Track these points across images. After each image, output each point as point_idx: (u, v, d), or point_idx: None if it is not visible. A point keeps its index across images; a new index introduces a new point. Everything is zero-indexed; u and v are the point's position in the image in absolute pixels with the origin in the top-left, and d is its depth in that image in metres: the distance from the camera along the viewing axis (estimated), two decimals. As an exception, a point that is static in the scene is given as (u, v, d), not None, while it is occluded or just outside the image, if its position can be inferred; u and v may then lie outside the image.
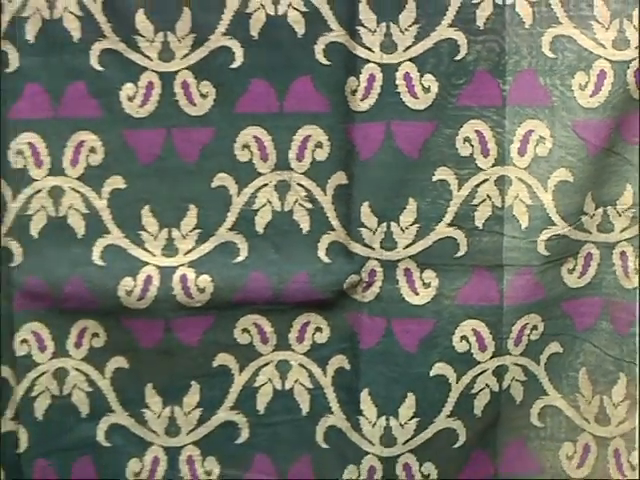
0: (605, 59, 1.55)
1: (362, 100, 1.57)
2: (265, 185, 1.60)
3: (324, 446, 1.64)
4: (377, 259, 1.60)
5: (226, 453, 1.65)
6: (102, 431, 1.63)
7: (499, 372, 1.64)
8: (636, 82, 1.61)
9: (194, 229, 1.60)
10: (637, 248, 1.62)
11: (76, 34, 1.63)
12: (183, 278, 1.58)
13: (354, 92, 1.57)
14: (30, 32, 1.59)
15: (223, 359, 1.62)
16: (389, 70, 1.57)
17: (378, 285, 1.60)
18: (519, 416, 1.66)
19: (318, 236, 1.60)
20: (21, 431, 1.63)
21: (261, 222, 1.59)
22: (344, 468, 1.65)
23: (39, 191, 1.56)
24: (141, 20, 1.58)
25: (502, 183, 1.59)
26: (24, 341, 1.61)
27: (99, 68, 1.60)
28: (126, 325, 1.62)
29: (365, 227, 1.60)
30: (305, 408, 1.63)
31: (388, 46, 1.56)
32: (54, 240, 1.62)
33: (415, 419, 1.62)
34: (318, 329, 1.62)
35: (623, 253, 1.61)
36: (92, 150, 1.60)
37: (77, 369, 1.63)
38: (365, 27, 1.56)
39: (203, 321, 1.62)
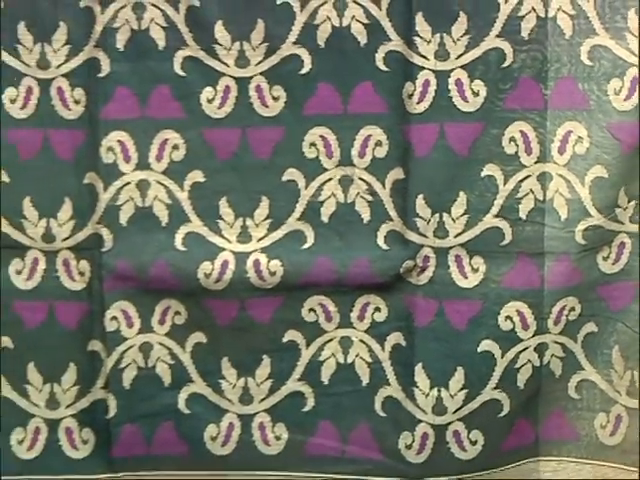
0: (637, 67, 1.66)
1: (418, 103, 1.66)
2: (330, 179, 1.69)
3: (381, 414, 1.73)
4: (430, 246, 1.69)
5: (294, 420, 1.74)
6: (183, 399, 1.72)
7: (540, 349, 1.72)
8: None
9: (266, 219, 1.69)
10: None
11: (161, 43, 1.72)
12: (256, 263, 1.68)
13: (410, 96, 1.66)
14: (120, 41, 1.68)
15: (291, 335, 1.72)
16: (442, 76, 1.66)
17: (431, 270, 1.69)
18: (558, 389, 1.74)
19: (377, 225, 1.69)
20: (110, 399, 1.70)
21: (326, 212, 1.69)
22: (399, 434, 1.73)
23: (128, 184, 1.66)
24: (219, 30, 1.67)
25: (544, 179, 1.68)
26: (114, 318, 1.69)
27: (181, 73, 1.70)
28: (205, 305, 1.71)
29: (419, 217, 1.68)
30: (365, 380, 1.72)
31: (441, 54, 1.65)
32: (141, 228, 1.71)
33: (464, 391, 1.71)
34: (377, 309, 1.71)
35: None
36: (175, 147, 1.69)
37: (161, 343, 1.72)
38: (421, 37, 1.65)
39: (274, 301, 1.71)
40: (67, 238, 1.70)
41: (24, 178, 1.73)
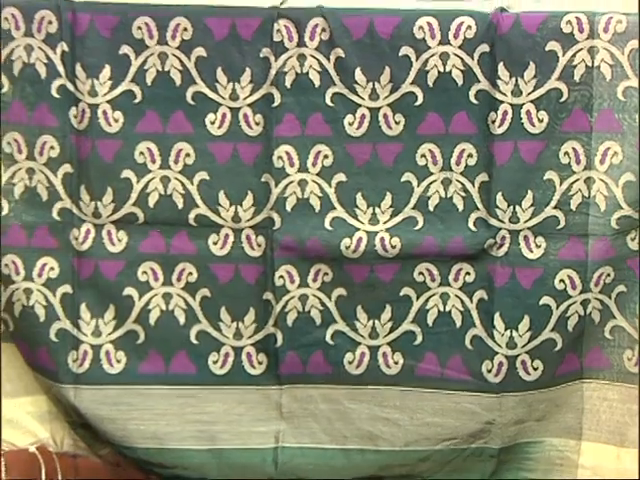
0: None
1: (499, 127, 1.95)
2: (435, 180, 1.99)
3: (470, 348, 2.02)
4: (506, 229, 1.97)
5: (407, 350, 2.02)
6: (329, 334, 2.04)
7: (584, 303, 1.98)
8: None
9: (389, 208, 2.00)
10: None
11: (317, 82, 1.96)
12: (381, 239, 1.99)
13: (493, 122, 1.95)
14: (288, 81, 1.96)
15: (406, 291, 2.01)
16: (516, 108, 1.94)
17: (507, 246, 1.99)
18: (597, 331, 2.01)
19: (468, 214, 1.98)
20: (278, 333, 2.01)
21: (432, 204, 1.98)
22: (482, 362, 2.00)
23: (292, 182, 1.96)
24: (358, 74, 1.94)
25: (589, 181, 1.97)
26: (280, 277, 2.00)
27: (331, 104, 1.95)
28: (345, 268, 2.01)
29: (499, 208, 1.97)
30: (458, 323, 2.01)
31: (516, 92, 1.95)
32: (301, 213, 1.99)
33: (529, 332, 1.99)
34: (467, 273, 2.00)
35: None
36: (325, 157, 2.00)
37: (314, 295, 2.01)
38: (501, 80, 1.94)
39: (394, 267, 2.00)
40: (249, 219, 2.01)
41: (219, 177, 2.00)
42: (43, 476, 2.09)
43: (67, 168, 1.97)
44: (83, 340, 2.00)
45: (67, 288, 1.99)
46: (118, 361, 2.00)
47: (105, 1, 1.96)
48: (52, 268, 1.98)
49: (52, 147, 1.96)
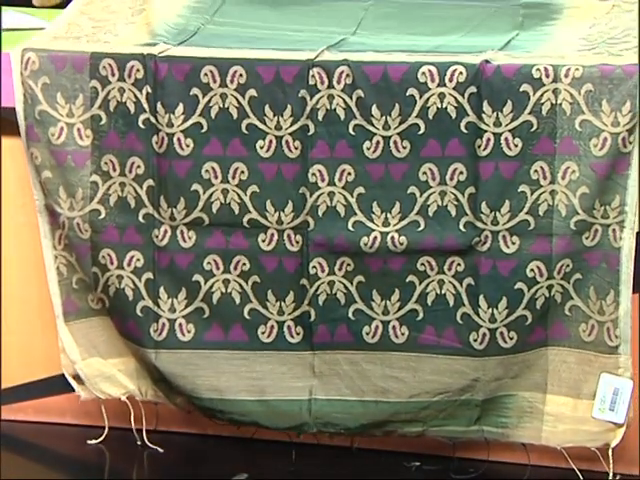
0: (607, 132, 2.06)
1: (484, 150, 2.08)
2: (434, 192, 2.11)
3: (460, 322, 2.13)
4: (489, 230, 2.10)
5: (412, 324, 2.15)
6: (351, 312, 2.16)
7: (549, 287, 2.11)
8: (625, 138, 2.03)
9: (398, 213, 2.13)
10: (620, 226, 2.07)
11: (342, 116, 2.11)
12: (392, 238, 2.12)
13: (479, 146, 2.08)
14: (320, 115, 2.11)
15: (411, 278, 2.14)
16: (497, 136, 2.08)
17: (489, 243, 2.11)
18: (559, 310, 2.12)
19: (459, 218, 2.11)
20: (312, 311, 2.16)
21: (431, 210, 2.10)
22: (470, 333, 2.13)
23: (323, 193, 2.14)
24: (374, 109, 2.10)
25: (553, 193, 2.08)
26: (314, 267, 2.14)
27: (352, 133, 2.11)
28: (364, 260, 2.14)
29: (483, 214, 2.09)
30: (451, 303, 2.14)
31: (497, 124, 2.07)
32: (329, 218, 2.13)
33: (506, 310, 2.11)
34: (458, 264, 2.12)
35: (614, 230, 2.09)
36: (349, 174, 2.12)
37: (339, 281, 2.14)
38: (485, 114, 2.07)
39: (401, 259, 2.14)
40: (290, 222, 2.15)
41: (267, 189, 2.15)
42: (132, 418, 2.30)
43: (150, 182, 2.17)
44: (161, 315, 2.21)
45: (149, 275, 2.20)
46: (189, 331, 2.21)
47: (180, 55, 2.17)
48: (138, 259, 2.20)
49: (139, 166, 2.17)
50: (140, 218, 2.20)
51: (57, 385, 2.35)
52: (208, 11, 2.41)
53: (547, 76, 2.08)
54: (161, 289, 2.21)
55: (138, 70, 2.16)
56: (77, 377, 2.28)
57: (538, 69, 2.08)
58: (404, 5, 2.46)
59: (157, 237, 2.20)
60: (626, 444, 2.18)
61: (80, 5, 2.42)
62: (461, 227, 2.13)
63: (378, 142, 2.13)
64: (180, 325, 2.22)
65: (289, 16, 2.42)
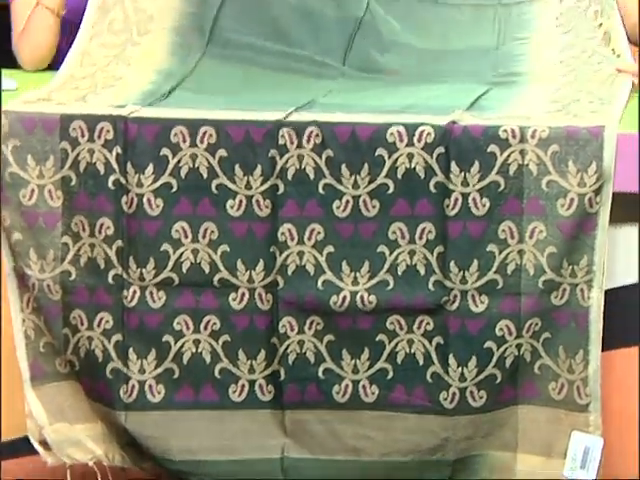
0: (574, 192, 2.06)
1: (452, 210, 2.08)
2: (403, 251, 2.10)
3: (430, 381, 2.11)
4: (458, 289, 2.10)
5: (382, 383, 2.13)
6: (321, 371, 2.13)
7: (518, 346, 2.10)
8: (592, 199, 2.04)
9: (367, 272, 2.11)
10: (588, 285, 2.07)
11: (312, 176, 2.10)
12: (361, 297, 2.11)
13: (448, 206, 2.07)
14: (289, 175, 2.10)
15: (380, 337, 2.12)
16: (466, 196, 2.07)
17: (458, 302, 2.10)
18: (528, 368, 2.11)
19: (428, 277, 2.10)
20: (281, 370, 2.13)
21: (400, 270, 2.10)
22: (440, 393, 2.10)
23: (292, 252, 2.11)
24: (343, 169, 2.09)
25: (521, 252, 2.08)
26: (284, 326, 2.11)
27: (322, 192, 2.10)
28: (334, 319, 2.13)
29: (452, 273, 2.09)
30: (421, 362, 2.11)
31: (465, 184, 2.07)
32: (299, 276, 2.10)
33: (476, 369, 2.09)
34: (428, 323, 2.11)
35: (582, 289, 2.08)
36: (318, 233, 2.10)
37: (309, 340, 2.12)
38: (453, 174, 2.07)
39: (371, 318, 2.13)
40: (260, 281, 2.13)
41: (237, 248, 2.11)
42: (99, 483, 2.23)
43: (119, 243, 2.14)
44: (131, 376, 2.17)
45: (119, 336, 2.17)
46: (159, 392, 2.18)
47: (150, 116, 2.16)
48: (107, 321, 2.17)
49: (108, 227, 2.14)
50: (109, 279, 2.18)
51: (22, 447, 2.31)
52: (177, 77, 2.41)
53: (514, 137, 2.09)
54: (130, 350, 2.19)
55: (108, 131, 2.15)
56: (44, 442, 2.25)
57: (505, 130, 2.09)
58: (372, 83, 2.48)
59: (126, 298, 2.18)
60: (625, 448, 2.20)
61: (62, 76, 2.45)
62: (430, 286, 2.12)
63: (347, 201, 2.12)
64: (150, 386, 2.19)
65: (260, 83, 2.42)
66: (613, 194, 2.07)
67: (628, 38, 2.48)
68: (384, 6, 2.58)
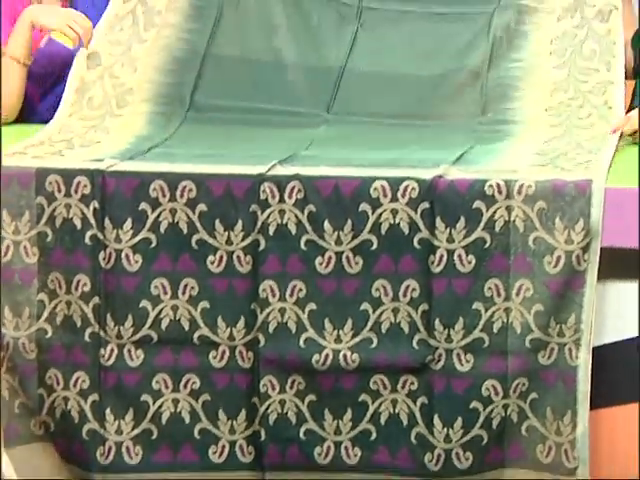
0: (561, 250, 2.03)
1: (437, 267, 2.06)
2: (386, 309, 2.06)
3: (414, 442, 2.07)
4: (443, 348, 2.07)
5: (365, 445, 2.10)
6: (302, 432, 2.10)
7: (505, 407, 2.07)
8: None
9: (350, 330, 2.09)
10: (576, 345, 2.03)
11: (294, 231, 2.07)
12: (344, 356, 2.08)
13: (433, 263, 2.05)
14: (271, 230, 2.06)
15: (364, 397, 2.08)
16: (451, 252, 2.05)
17: (443, 361, 2.07)
18: (515, 429, 2.08)
19: (412, 335, 2.07)
20: (262, 431, 2.09)
21: (384, 327, 2.06)
22: (425, 454, 2.07)
23: (273, 309, 2.08)
24: (326, 224, 2.06)
25: (507, 310, 2.05)
26: (264, 385, 2.08)
27: (304, 248, 2.07)
28: (315, 379, 2.10)
29: (437, 331, 2.06)
30: (405, 422, 2.08)
31: (450, 240, 2.04)
32: (281, 334, 2.07)
33: (461, 430, 2.07)
34: (412, 383, 2.07)
35: (570, 349, 2.04)
36: (300, 290, 2.07)
37: (290, 400, 2.08)
38: (438, 230, 2.04)
39: (354, 377, 2.10)
40: (241, 339, 2.10)
41: (218, 305, 2.09)
42: None
43: (96, 300, 2.11)
44: (108, 438, 2.12)
45: (95, 396, 2.12)
46: (136, 454, 2.13)
47: (128, 170, 2.13)
48: (84, 380, 2.12)
49: (85, 284, 2.11)
50: (86, 337, 2.14)
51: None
52: (156, 140, 2.38)
53: (500, 193, 2.06)
54: (107, 411, 2.14)
55: (85, 186, 2.12)
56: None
57: (491, 185, 2.06)
58: (356, 128, 2.45)
59: (103, 356, 2.13)
60: (624, 449, 2.16)
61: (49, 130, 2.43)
62: (414, 345, 2.09)
63: (330, 257, 2.09)
64: (127, 448, 2.14)
65: (241, 138, 2.40)
66: (613, 250, 2.05)
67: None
68: (368, 40, 2.58)
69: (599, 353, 2.10)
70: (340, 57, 2.53)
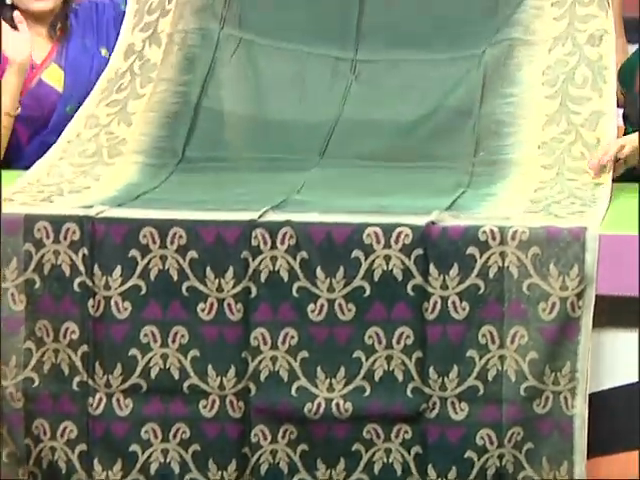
0: (555, 296, 2.01)
1: (431, 314, 2.03)
2: (380, 357, 2.04)
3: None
4: (437, 396, 2.04)
5: None
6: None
7: (500, 456, 2.04)
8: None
9: (343, 378, 2.06)
10: (571, 393, 2.01)
11: (286, 278, 2.05)
12: (337, 404, 2.06)
13: (426, 310, 2.02)
14: (263, 277, 2.04)
15: (357, 446, 2.06)
16: (445, 299, 2.03)
17: (437, 410, 2.04)
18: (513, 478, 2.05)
19: (407, 383, 2.04)
20: None
21: (377, 375, 2.04)
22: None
23: (265, 358, 2.06)
24: (319, 272, 2.03)
25: (502, 358, 2.02)
26: (256, 435, 2.05)
27: (296, 295, 2.05)
28: (308, 428, 2.07)
29: (431, 379, 2.04)
30: (399, 472, 2.06)
31: (444, 287, 2.03)
32: (272, 383, 2.05)
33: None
34: (406, 432, 2.05)
35: (565, 397, 2.01)
36: (292, 337, 2.05)
37: (282, 450, 2.05)
38: (432, 276, 2.02)
39: (347, 426, 2.07)
40: (232, 388, 2.07)
41: (208, 353, 2.06)
42: None
43: (85, 348, 2.08)
44: None
45: (83, 446, 2.09)
46: None
47: (118, 216, 2.11)
48: (72, 430, 2.09)
49: (73, 331, 2.08)
50: (74, 386, 2.11)
51: None
52: (146, 188, 2.36)
53: (493, 239, 2.04)
54: (95, 461, 2.10)
55: (74, 232, 2.10)
56: None
57: (484, 231, 2.04)
58: (348, 171, 2.43)
59: (91, 406, 2.10)
60: None
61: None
62: (408, 393, 2.07)
63: (322, 305, 2.07)
64: (116, 501, 2.11)
65: (232, 184, 2.37)
66: (613, 298, 2.04)
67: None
68: (362, 91, 2.57)
69: (596, 399, 2.07)
70: (334, 110, 2.53)
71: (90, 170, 2.42)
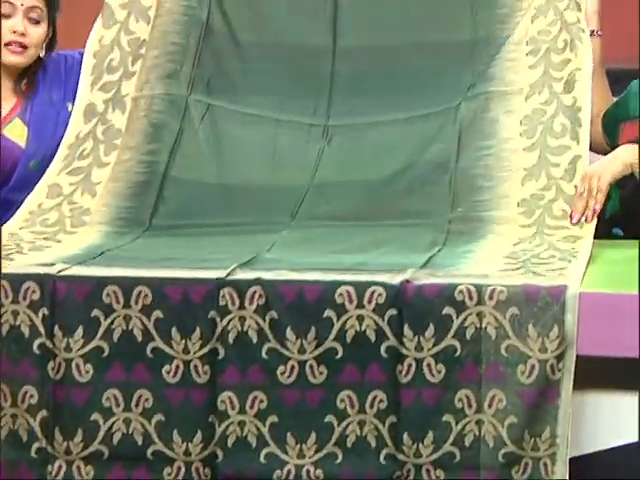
0: (535, 358, 1.94)
1: (405, 376, 1.97)
2: (352, 422, 1.98)
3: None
4: (411, 463, 1.98)
5: None
6: None
7: (479, 424, 1.97)
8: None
9: (314, 444, 2.00)
10: (551, 459, 1.94)
11: (255, 339, 1.99)
12: (307, 471, 2.00)
13: (400, 372, 1.96)
14: (231, 338, 1.98)
15: None
16: (420, 361, 1.96)
17: (412, 476, 1.97)
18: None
19: (380, 450, 1.98)
20: None
21: (350, 441, 1.98)
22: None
23: (232, 422, 1.99)
24: (289, 332, 1.97)
25: (479, 423, 1.96)
26: None
27: (266, 357, 1.98)
28: None
29: (405, 445, 1.97)
30: None
31: (419, 348, 1.96)
32: (240, 449, 1.98)
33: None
34: None
35: (545, 463, 1.95)
36: (261, 401, 1.98)
37: None
38: (407, 338, 1.95)
39: None
40: (198, 454, 2.01)
41: (173, 418, 2.00)
42: None
43: (44, 413, 2.01)
44: None
45: None
46: None
47: (80, 274, 2.04)
48: None
49: (32, 395, 2.01)
50: (32, 453, 2.03)
51: None
52: (108, 246, 2.31)
53: (470, 298, 1.98)
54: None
55: (34, 291, 2.03)
56: None
57: (461, 291, 1.98)
58: (321, 231, 2.38)
59: (51, 473, 2.02)
60: None
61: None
62: (382, 460, 2.00)
63: (293, 367, 2.01)
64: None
65: (200, 244, 2.32)
66: (615, 359, 1.99)
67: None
68: (335, 155, 2.52)
69: (577, 464, 2.02)
70: (306, 175, 2.48)
71: (51, 237, 2.37)
